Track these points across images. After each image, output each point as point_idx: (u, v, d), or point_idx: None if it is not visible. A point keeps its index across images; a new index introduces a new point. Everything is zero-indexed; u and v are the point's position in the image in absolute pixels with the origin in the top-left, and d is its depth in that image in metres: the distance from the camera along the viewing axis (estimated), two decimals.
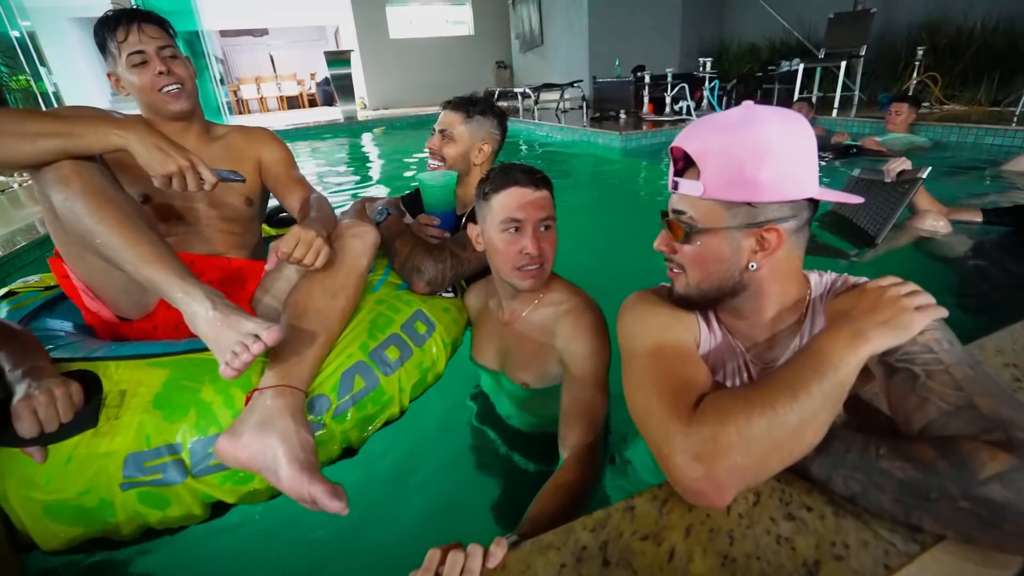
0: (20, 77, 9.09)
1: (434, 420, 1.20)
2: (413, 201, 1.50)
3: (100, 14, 1.11)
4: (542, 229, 0.96)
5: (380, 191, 4.08)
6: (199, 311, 0.80)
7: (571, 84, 6.81)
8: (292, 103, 13.24)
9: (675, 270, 0.72)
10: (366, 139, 7.15)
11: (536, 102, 6.96)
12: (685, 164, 0.67)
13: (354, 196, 3.95)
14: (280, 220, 1.67)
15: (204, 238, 1.19)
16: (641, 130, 4.80)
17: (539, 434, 1.10)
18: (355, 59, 9.04)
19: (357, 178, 4.70)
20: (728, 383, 0.75)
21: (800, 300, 0.71)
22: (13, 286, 1.24)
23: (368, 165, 5.61)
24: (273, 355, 0.87)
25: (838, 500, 0.58)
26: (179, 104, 1.12)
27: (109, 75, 1.13)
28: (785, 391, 0.54)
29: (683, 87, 5.28)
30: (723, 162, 0.62)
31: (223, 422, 0.84)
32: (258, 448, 0.78)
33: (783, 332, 0.72)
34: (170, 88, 1.10)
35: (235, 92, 12.86)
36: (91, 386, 0.83)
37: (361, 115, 8.73)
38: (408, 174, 4.52)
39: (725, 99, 5.73)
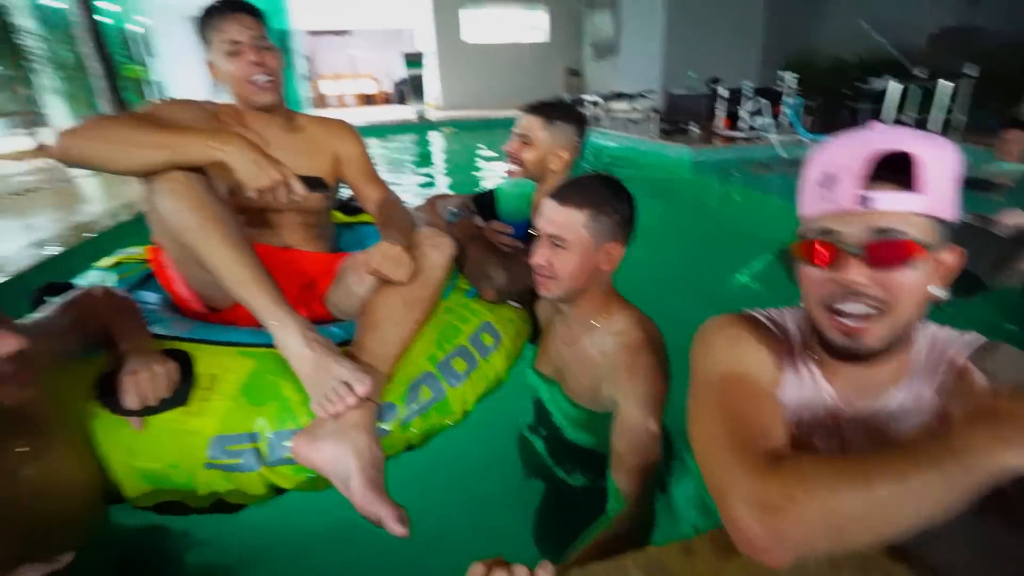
0: (132, 67, 10.01)
1: (487, 424, 1.19)
2: (484, 202, 1.50)
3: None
4: (556, 245, 0.95)
5: (443, 185, 4.19)
6: (291, 344, 0.86)
7: (642, 94, 6.71)
8: (368, 100, 13.79)
9: (870, 311, 0.57)
10: (435, 138, 7.35)
11: (606, 111, 6.90)
12: (891, 172, 0.55)
13: (426, 187, 4.08)
14: (353, 208, 1.70)
15: (280, 229, 1.24)
16: (713, 145, 4.67)
17: (591, 452, 1.09)
18: (430, 61, 9.31)
19: (425, 173, 4.85)
20: (812, 435, 0.69)
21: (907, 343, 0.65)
22: (119, 256, 1.35)
23: (436, 162, 5.77)
24: (353, 360, 0.92)
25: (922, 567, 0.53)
26: (267, 96, 1.16)
27: (208, 64, 1.17)
28: (892, 471, 0.46)
29: (764, 103, 5.07)
30: (941, 171, 0.54)
31: (299, 418, 0.89)
32: (331, 456, 0.83)
33: (882, 378, 0.65)
34: (261, 78, 1.13)
35: (316, 88, 13.56)
36: (185, 366, 0.90)
37: (432, 115, 8.98)
38: (475, 173, 4.61)
39: (809, 117, 5.45)
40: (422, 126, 8.04)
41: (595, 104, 6.89)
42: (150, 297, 1.15)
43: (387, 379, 0.96)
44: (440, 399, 1.00)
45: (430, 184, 4.43)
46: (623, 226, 0.96)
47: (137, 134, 0.83)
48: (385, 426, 0.93)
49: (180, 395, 0.87)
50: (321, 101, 13.42)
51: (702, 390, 0.66)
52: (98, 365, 0.89)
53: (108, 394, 0.84)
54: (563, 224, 0.93)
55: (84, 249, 2.16)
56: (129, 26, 10.04)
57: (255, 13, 1.14)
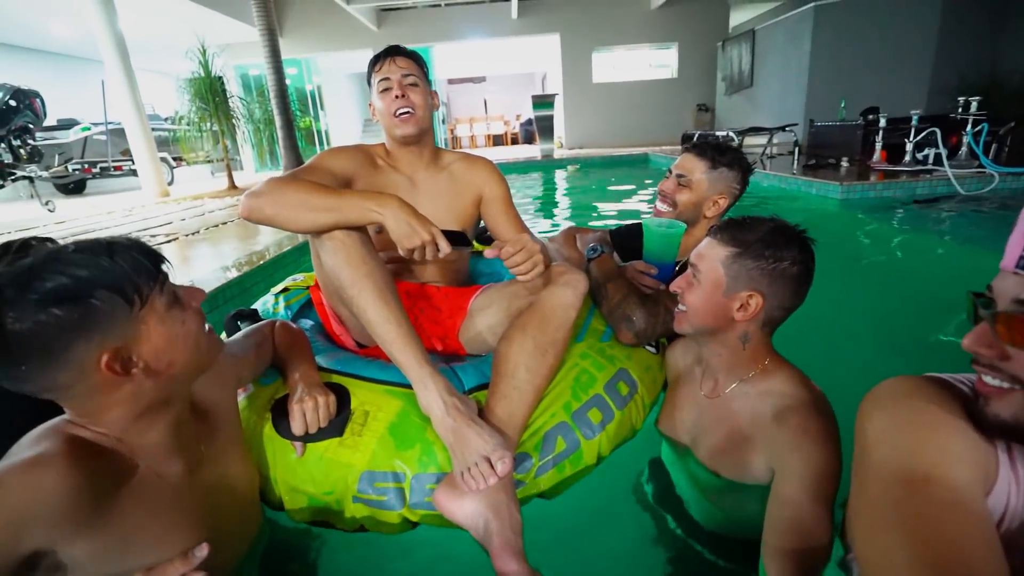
0: (306, 119, 11.79)
1: (605, 488, 1.11)
2: (623, 239, 1.45)
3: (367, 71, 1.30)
4: (695, 276, 0.89)
5: (566, 220, 4.24)
6: (433, 409, 0.89)
7: (782, 128, 6.25)
8: (497, 140, 14.63)
9: (1003, 385, 0.49)
10: (559, 175, 7.52)
11: (740, 146, 6.54)
12: None
13: (554, 226, 4.17)
14: (489, 239, 1.72)
15: (420, 268, 1.29)
16: (868, 181, 4.15)
17: (725, 536, 0.97)
18: (557, 102, 9.67)
19: (550, 208, 4.95)
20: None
21: None
22: (286, 283, 1.51)
23: (559, 198, 5.87)
24: (488, 412, 0.93)
25: None
26: (406, 128, 1.19)
27: (370, 104, 1.25)
28: None
29: (933, 132, 4.42)
30: None
31: (441, 463, 0.92)
32: (472, 512, 0.84)
33: None
34: (401, 111, 1.18)
35: (452, 130, 14.75)
36: (343, 399, 0.97)
37: (557, 153, 9.24)
38: (599, 209, 4.60)
39: (995, 146, 4.63)
40: (547, 164, 8.30)
41: (728, 140, 6.57)
42: (308, 324, 1.27)
43: (522, 430, 0.95)
44: (574, 451, 0.97)
45: (551, 216, 4.52)
46: (771, 280, 0.83)
47: (308, 197, 0.91)
48: (517, 476, 0.93)
49: (337, 427, 0.93)
50: (455, 143, 14.54)
51: (878, 491, 0.52)
52: (272, 390, 1.01)
53: (278, 418, 0.94)
54: (704, 256, 0.88)
55: (256, 274, 2.53)
56: (308, 86, 11.90)
57: (411, 56, 1.21)
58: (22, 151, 6.65)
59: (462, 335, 1.19)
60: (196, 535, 0.68)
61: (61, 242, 0.60)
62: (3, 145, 6.46)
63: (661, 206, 1.34)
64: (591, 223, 4.18)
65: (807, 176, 4.58)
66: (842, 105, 5.90)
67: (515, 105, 15.65)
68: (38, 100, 6.92)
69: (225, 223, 4.31)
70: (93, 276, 0.56)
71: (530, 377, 0.96)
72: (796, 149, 5.78)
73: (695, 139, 6.85)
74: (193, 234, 3.87)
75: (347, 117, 13.64)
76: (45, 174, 6.92)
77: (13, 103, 6.53)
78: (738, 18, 9.83)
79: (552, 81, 13.31)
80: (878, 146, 5.01)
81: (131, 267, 0.60)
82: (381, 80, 1.20)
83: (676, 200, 1.30)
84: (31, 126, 6.81)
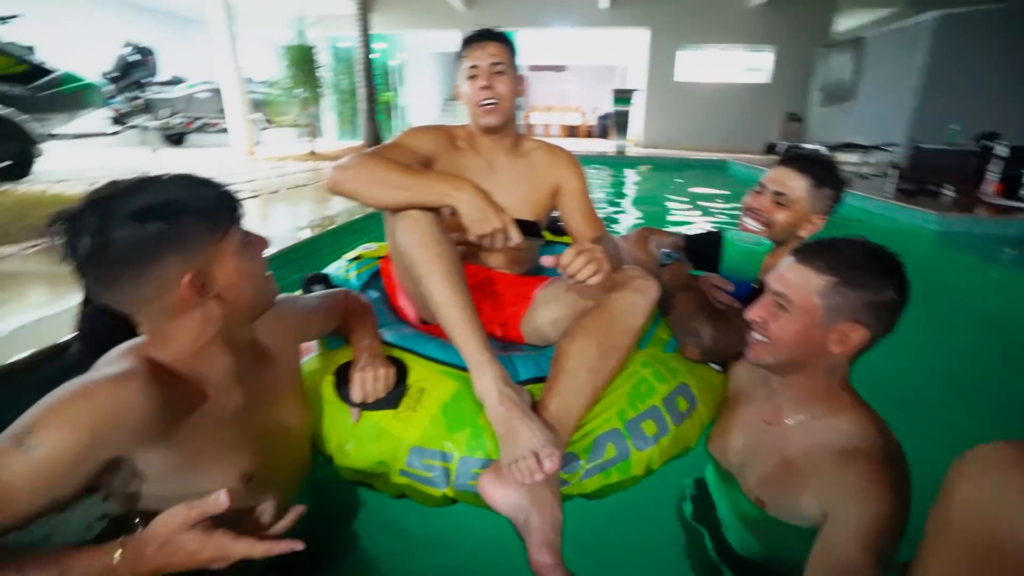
0: (387, 93, 12.13)
1: (645, 498, 1.07)
2: (698, 246, 1.38)
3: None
4: (780, 305, 0.82)
5: (633, 219, 4.14)
6: (487, 397, 0.89)
7: (880, 147, 5.79)
8: (571, 132, 14.47)
9: None
10: (630, 173, 7.35)
11: None
12: None
13: (612, 221, 4.09)
14: (560, 228, 1.67)
15: (488, 252, 1.29)
16: (974, 214, 3.78)
17: (761, 568, 0.92)
18: (637, 98, 9.41)
19: (617, 206, 4.85)
20: None
21: None
22: (359, 251, 1.57)
23: (628, 196, 5.74)
24: (542, 407, 0.93)
25: None
26: (489, 118, 1.20)
27: (456, 85, 1.26)
28: None
29: None
30: None
31: (489, 449, 0.93)
32: (514, 503, 0.84)
33: None
34: (486, 102, 1.18)
35: (527, 117, 14.72)
36: (401, 373, 1.01)
37: (631, 151, 9.02)
38: (668, 213, 4.47)
39: None
40: (619, 161, 8.13)
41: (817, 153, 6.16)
42: (374, 295, 1.32)
43: (574, 429, 0.94)
44: (624, 459, 0.96)
45: (618, 214, 4.43)
46: (875, 310, 0.77)
47: (388, 175, 0.94)
48: (563, 476, 0.93)
49: (393, 399, 0.97)
50: (529, 131, 14.52)
51: (962, 562, 0.47)
52: (338, 355, 1.06)
53: (341, 383, 0.99)
54: (794, 284, 0.81)
55: (326, 237, 2.64)
56: (391, 61, 12.22)
57: (503, 41, 1.20)
58: (137, 103, 7.27)
59: (524, 325, 1.19)
60: (250, 464, 0.74)
61: None
62: (123, 96, 7.09)
63: (751, 224, 1.23)
64: (667, 223, 4.08)
65: (901, 201, 4.23)
66: (955, 128, 5.38)
67: (593, 97, 15.39)
68: (152, 57, 7.52)
69: (304, 185, 4.53)
70: (185, 200, 0.63)
71: (589, 378, 0.95)
72: (892, 171, 5.34)
73: (786, 151, 6.48)
74: (273, 193, 4.10)
75: (426, 95, 13.92)
76: (153, 125, 7.53)
77: (135, 59, 7.14)
78: (844, 24, 9.13)
79: (632, 76, 12.96)
80: (993, 177, 4.53)
81: (216, 199, 0.66)
82: (470, 66, 1.19)
83: (772, 220, 1.20)
84: (146, 81, 7.42)
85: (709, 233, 1.48)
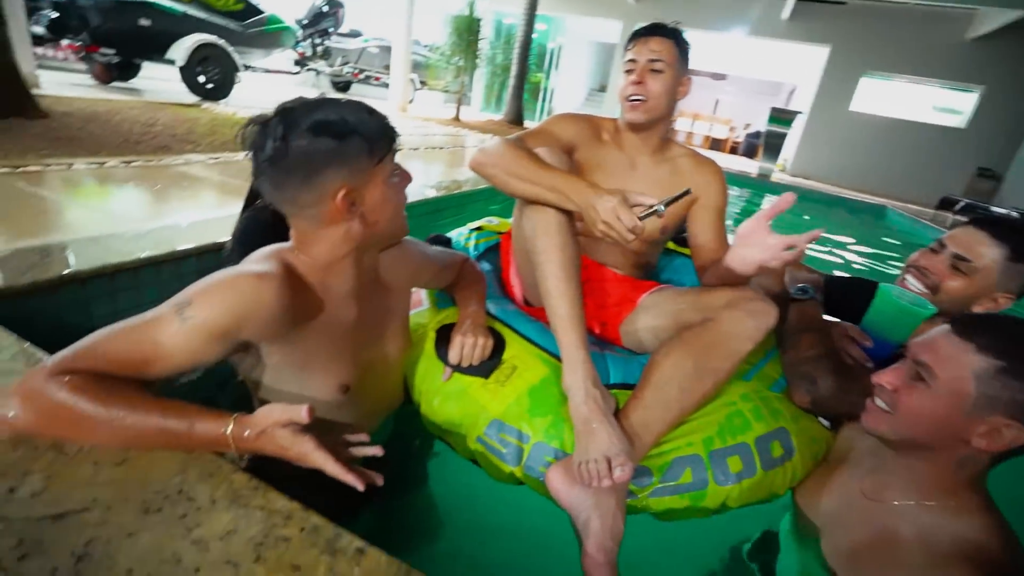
0: (538, 75, 12.31)
1: (710, 536, 1.05)
2: (839, 290, 1.26)
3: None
4: (919, 376, 0.71)
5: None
6: (573, 393, 0.89)
7: None
8: (715, 145, 13.67)
9: None
10: (769, 200, 6.81)
11: None
12: None
13: None
14: (683, 239, 1.67)
15: (604, 248, 1.29)
16: None
17: None
18: (798, 121, 8.61)
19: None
20: None
21: None
22: (481, 223, 1.65)
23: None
24: (624, 415, 0.91)
25: None
26: (633, 115, 1.17)
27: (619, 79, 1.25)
28: None
29: None
30: None
31: (565, 441, 0.92)
32: (579, 502, 0.84)
33: None
34: (633, 98, 1.16)
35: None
36: (497, 346, 1.04)
37: (775, 176, 8.33)
38: (809, 255, 4.10)
39: None
40: (761, 184, 7.55)
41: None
42: (487, 267, 1.38)
43: (653, 444, 0.92)
44: (699, 489, 0.91)
45: None
46: None
47: (530, 171, 0.96)
48: (632, 488, 0.91)
49: (485, 369, 1.01)
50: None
51: None
52: (443, 315, 1.14)
53: (441, 342, 1.05)
54: (944, 357, 0.69)
55: (448, 199, 2.80)
56: (549, 44, 12.35)
57: (671, 38, 1.16)
58: (319, 49, 8.14)
59: (623, 327, 1.17)
60: (349, 376, 0.84)
61: None
62: (308, 41, 7.98)
63: (914, 283, 1.08)
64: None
65: None
66: None
67: (747, 113, 14.32)
68: (341, 10, 8.32)
69: (441, 148, 4.80)
70: (355, 123, 0.70)
71: (679, 396, 0.91)
72: None
73: (963, 208, 5.60)
74: (413, 149, 4.40)
75: (576, 82, 13.90)
76: (328, 71, 8.39)
77: (325, 9, 7.98)
78: None
79: (800, 97, 11.85)
80: None
81: (380, 129, 0.73)
82: (628, 60, 1.18)
83: (942, 286, 1.04)
84: (330, 31, 8.27)
85: (857, 280, 1.33)
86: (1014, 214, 5.06)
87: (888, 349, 1.03)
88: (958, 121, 8.83)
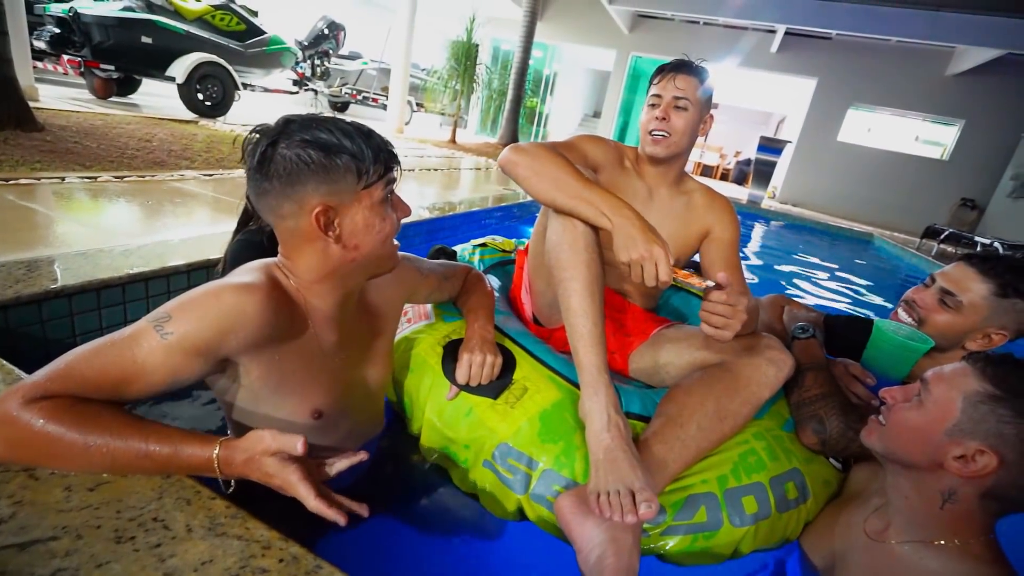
0: (534, 100, 12.54)
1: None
2: (839, 328, 1.26)
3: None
4: (916, 394, 0.74)
5: (749, 281, 3.89)
6: (594, 418, 0.84)
7: None
8: (706, 171, 13.90)
9: None
10: (759, 228, 6.90)
11: None
12: None
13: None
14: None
15: (622, 276, 1.28)
16: None
17: None
18: (787, 150, 8.81)
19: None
20: None
21: None
22: (484, 239, 1.65)
23: (750, 251, 5.41)
24: (642, 448, 0.88)
25: None
26: (655, 148, 1.19)
27: (643, 111, 1.25)
28: None
29: None
30: None
31: (577, 471, 0.88)
32: (591, 537, 0.78)
33: None
34: (656, 132, 1.17)
35: None
36: (507, 365, 0.99)
37: (765, 203, 8.46)
38: (796, 282, 4.15)
39: None
40: (751, 211, 7.67)
41: (991, 251, 5.35)
42: (493, 282, 1.35)
43: (669, 482, 0.88)
44: (713, 529, 0.86)
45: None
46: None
47: (559, 176, 0.92)
48: (645, 525, 0.86)
49: (495, 389, 0.96)
50: None
51: None
52: (450, 328, 1.10)
53: (447, 358, 1.00)
54: (946, 379, 0.71)
55: (443, 220, 2.81)
56: (546, 71, 12.61)
57: (696, 76, 1.18)
58: (318, 70, 8.26)
59: (634, 357, 1.17)
60: (323, 402, 0.81)
61: None
62: (308, 62, 8.10)
63: (904, 316, 1.10)
64: (786, 289, 3.79)
65: None
66: None
67: (738, 141, 14.63)
68: (342, 33, 8.47)
69: (437, 169, 4.84)
70: (347, 143, 0.69)
71: (699, 435, 0.89)
72: None
73: (946, 237, 5.71)
74: (409, 171, 4.43)
75: (570, 108, 14.16)
76: (326, 91, 8.48)
77: (326, 31, 8.13)
78: None
79: (788, 127, 12.13)
80: None
81: (373, 154, 0.71)
82: (652, 95, 1.20)
83: (932, 320, 1.06)
84: (330, 52, 8.40)
85: (854, 318, 1.34)
86: (996, 244, 5.15)
87: (890, 385, 1.03)
88: (940, 153, 9.07)
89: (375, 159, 0.71)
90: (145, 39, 4.80)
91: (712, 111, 1.28)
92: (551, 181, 0.92)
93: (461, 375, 0.95)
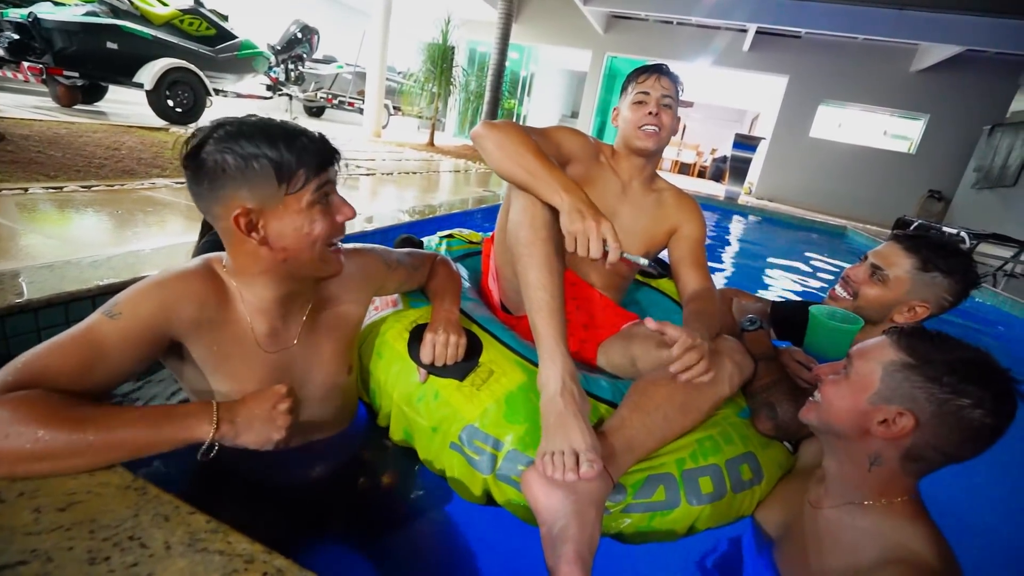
0: (511, 101, 12.55)
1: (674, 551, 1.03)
2: (785, 316, 1.32)
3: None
4: (845, 367, 0.79)
5: (728, 275, 3.95)
6: (549, 384, 0.87)
7: None
8: (684, 169, 14.08)
9: None
10: (736, 223, 7.01)
11: (970, 252, 5.45)
12: None
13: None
14: (648, 274, 1.75)
15: (591, 268, 1.33)
16: None
17: None
18: (761, 146, 8.97)
19: (714, 257, 4.66)
20: None
21: None
22: (452, 231, 1.67)
23: (728, 248, 5.49)
24: (609, 431, 0.90)
25: None
26: (646, 142, 1.24)
27: (615, 109, 1.33)
28: None
29: None
30: None
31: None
32: (556, 507, 0.79)
33: None
34: (648, 127, 1.23)
35: None
36: (473, 348, 1.01)
37: (742, 199, 8.61)
38: (772, 274, 4.23)
39: None
40: (728, 207, 7.79)
41: (959, 240, 5.52)
42: (464, 272, 1.36)
43: (632, 465, 0.91)
44: (671, 508, 0.90)
45: (715, 263, 4.25)
46: (942, 413, 0.68)
47: (521, 154, 0.95)
48: (609, 504, 0.89)
49: (461, 370, 0.97)
50: None
51: None
52: (418, 314, 1.11)
53: (413, 341, 1.02)
54: (867, 353, 0.77)
55: (424, 223, 2.79)
56: (523, 72, 12.64)
57: (675, 80, 1.27)
58: (292, 74, 8.14)
59: (603, 349, 1.19)
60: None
61: None
62: (282, 67, 7.97)
63: (840, 292, 1.19)
64: (760, 284, 3.85)
65: None
66: None
67: (714, 139, 14.88)
68: (316, 36, 8.36)
69: (416, 173, 4.81)
70: (267, 149, 0.68)
71: (664, 425, 0.92)
72: None
73: (906, 228, 5.87)
74: (387, 174, 4.39)
75: (548, 109, 14.23)
76: (301, 96, 8.37)
77: (299, 35, 8.02)
78: None
79: (762, 124, 12.37)
80: None
81: (298, 157, 0.70)
82: (640, 92, 1.25)
83: (860, 292, 1.14)
84: (304, 56, 8.29)
85: (798, 303, 1.40)
86: (963, 233, 5.32)
87: None
88: (907, 147, 9.35)
89: (299, 164, 0.71)
90: (110, 45, 4.66)
91: (686, 111, 1.33)
92: (512, 156, 0.96)
93: (426, 355, 0.97)
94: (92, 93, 5.35)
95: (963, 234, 5.36)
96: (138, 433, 0.63)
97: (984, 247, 5.44)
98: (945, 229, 5.86)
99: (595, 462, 0.78)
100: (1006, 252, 5.27)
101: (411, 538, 1.04)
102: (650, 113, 1.22)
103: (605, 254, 0.85)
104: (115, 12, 4.74)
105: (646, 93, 1.24)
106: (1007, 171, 7.33)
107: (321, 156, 0.73)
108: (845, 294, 1.17)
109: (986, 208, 7.70)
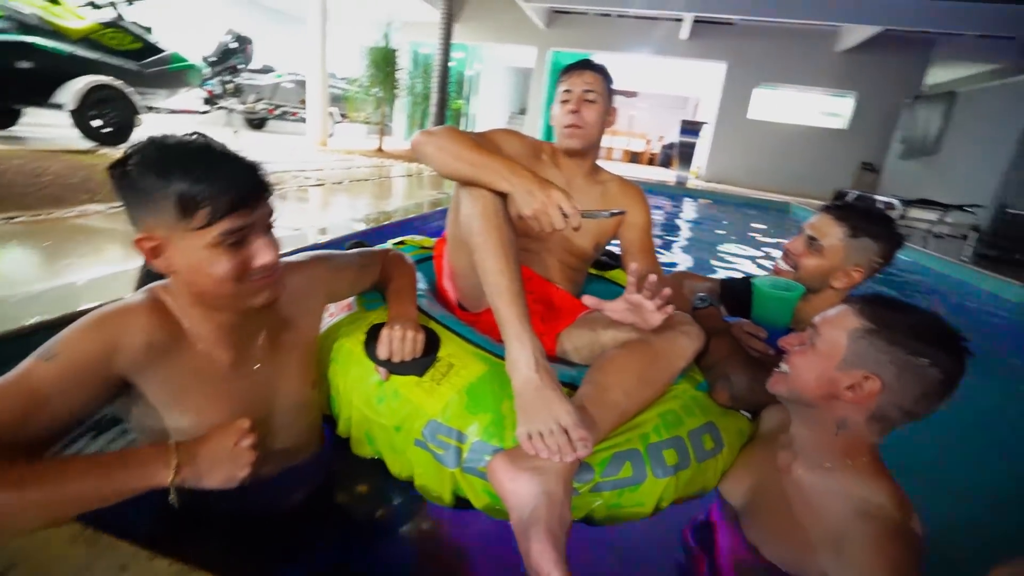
0: (458, 101, 12.48)
1: (644, 531, 1.05)
2: (733, 292, 1.38)
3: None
4: (811, 339, 0.82)
5: (683, 258, 4.06)
6: (521, 363, 0.86)
7: (962, 207, 5.44)
8: (634, 158, 14.39)
9: None
10: (688, 206, 7.22)
11: (902, 217, 5.81)
12: None
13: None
14: (602, 263, 1.78)
15: (545, 262, 1.35)
16: None
17: None
18: (705, 131, 9.27)
19: (669, 240, 4.78)
20: None
21: None
22: (404, 238, 1.65)
23: (682, 230, 5.65)
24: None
25: None
26: (570, 142, 1.26)
27: (552, 107, 1.33)
28: None
29: None
30: None
31: (506, 439, 0.90)
32: (525, 492, 0.78)
33: None
34: (569, 125, 1.25)
35: None
36: (431, 344, 1.00)
37: (691, 183, 8.87)
38: (723, 252, 4.36)
39: None
40: (679, 192, 8.01)
41: (890, 207, 5.87)
42: (420, 276, 1.32)
43: (597, 443, 0.91)
44: (638, 483, 0.91)
45: (666, 248, 4.36)
46: (904, 373, 0.73)
47: (462, 150, 0.96)
48: (577, 485, 0.88)
49: (419, 365, 0.96)
50: None
51: None
52: (375, 316, 1.09)
53: (370, 340, 1.00)
54: (831, 321, 0.80)
55: (382, 232, 2.74)
56: (468, 71, 12.58)
57: (600, 72, 1.27)
58: (229, 86, 7.82)
59: (562, 338, 1.20)
60: (230, 420, 0.75)
61: None
62: (217, 79, 7.65)
63: (782, 265, 1.23)
64: (713, 264, 3.97)
65: (980, 268, 3.95)
66: None
67: (660, 126, 15.27)
68: (251, 46, 8.06)
69: (367, 180, 4.72)
70: (178, 177, 0.63)
71: (624, 400, 0.93)
72: (973, 234, 5.00)
73: (844, 199, 6.19)
74: (337, 183, 4.29)
75: (496, 107, 14.23)
76: (240, 108, 8.06)
77: (234, 46, 7.71)
78: (937, 76, 8.69)
79: (704, 109, 12.77)
80: None
81: (208, 193, 0.63)
82: (564, 91, 1.27)
83: (800, 263, 1.20)
84: (240, 67, 7.97)
85: (744, 279, 1.46)
86: (895, 201, 5.66)
87: (780, 334, 1.10)
88: (840, 123, 9.86)
89: (207, 201, 0.64)
90: (22, 64, 4.33)
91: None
92: (454, 155, 0.96)
93: (382, 351, 0.95)
94: (6, 117, 4.97)
95: (895, 201, 5.71)
96: (87, 486, 0.58)
97: (914, 212, 5.80)
98: (879, 198, 6.21)
99: (588, 439, 0.78)
100: (933, 215, 5.63)
101: (393, 555, 1.01)
102: (572, 111, 1.24)
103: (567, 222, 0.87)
104: (24, 28, 4.40)
105: (568, 91, 1.25)
106: (928, 140, 7.84)
107: (239, 194, 0.66)
108: (787, 266, 1.23)
109: (912, 175, 8.21)
